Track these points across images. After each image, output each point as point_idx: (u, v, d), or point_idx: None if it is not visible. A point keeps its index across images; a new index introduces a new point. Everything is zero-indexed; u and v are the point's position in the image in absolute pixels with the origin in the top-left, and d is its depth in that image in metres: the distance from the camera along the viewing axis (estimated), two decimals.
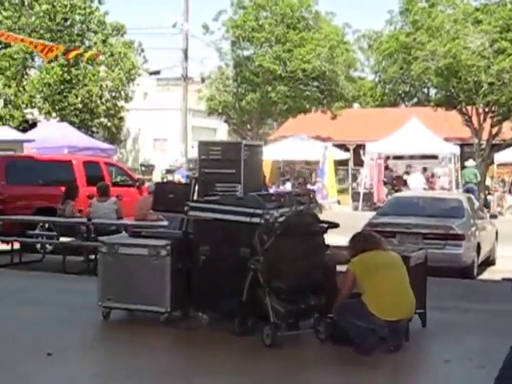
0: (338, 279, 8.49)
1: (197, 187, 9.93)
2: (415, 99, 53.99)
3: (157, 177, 37.75)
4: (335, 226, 8.64)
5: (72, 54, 21.10)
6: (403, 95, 54.68)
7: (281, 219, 8.26)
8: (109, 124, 39.93)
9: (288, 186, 31.58)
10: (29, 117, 37.76)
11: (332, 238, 8.85)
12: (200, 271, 8.80)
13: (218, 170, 9.95)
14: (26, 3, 36.63)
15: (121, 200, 16.54)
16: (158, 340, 8.62)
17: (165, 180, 31.31)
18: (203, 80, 45.37)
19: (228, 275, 8.46)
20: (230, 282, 8.43)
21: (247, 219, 8.28)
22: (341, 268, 8.46)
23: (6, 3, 36.16)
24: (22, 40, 19.45)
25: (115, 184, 18.43)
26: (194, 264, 8.89)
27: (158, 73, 42.10)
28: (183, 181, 26.38)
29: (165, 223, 12.40)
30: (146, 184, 19.26)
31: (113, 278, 9.13)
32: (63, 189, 15.89)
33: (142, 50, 41.63)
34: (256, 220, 8.21)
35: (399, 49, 39.08)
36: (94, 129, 39.58)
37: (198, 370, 7.36)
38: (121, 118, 40.85)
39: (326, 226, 8.62)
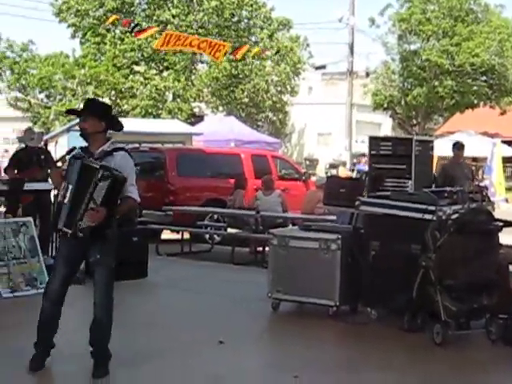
0: (511, 279, 8.30)
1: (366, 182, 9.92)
2: None
3: (320, 171, 37.84)
4: (511, 224, 8.42)
5: (240, 53, 21.32)
6: None
7: (454, 216, 8.15)
8: (274, 118, 40.41)
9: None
10: (196, 110, 38.70)
11: (505, 237, 8.63)
12: (370, 266, 8.81)
13: (388, 166, 9.89)
14: (194, 0, 37.52)
15: (287, 193, 16.75)
16: (327, 333, 8.67)
17: (328, 174, 31.31)
18: (368, 74, 45.07)
19: (398, 271, 8.43)
20: (400, 278, 8.39)
21: (419, 215, 8.21)
22: None
23: (174, 1, 37.17)
24: (191, 44, 19.74)
25: (282, 177, 18.60)
26: (363, 259, 8.91)
27: (323, 67, 42.16)
28: (348, 174, 26.36)
29: (332, 217, 12.44)
30: (313, 178, 19.36)
31: (283, 270, 9.27)
32: (232, 181, 16.25)
33: (308, 45, 41.85)
34: (428, 216, 8.14)
35: None
36: (260, 123, 40.15)
37: (367, 365, 7.36)
38: (286, 113, 41.23)
39: (500, 224, 8.41)
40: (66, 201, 6.48)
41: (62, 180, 6.54)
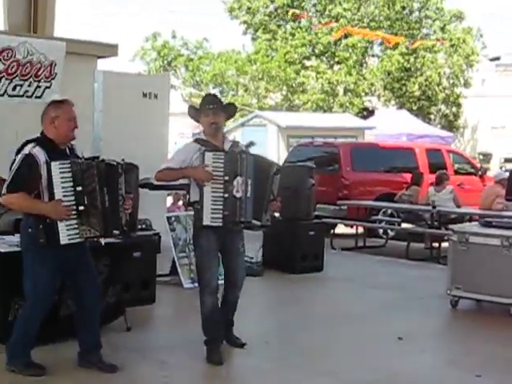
0: None
1: None
2: None
3: (495, 165, 36.84)
4: None
5: (416, 44, 21.31)
6: None
7: None
8: (446, 111, 39.69)
9: None
10: (367, 104, 38.54)
11: None
12: None
13: None
14: None
15: (462, 188, 16.43)
16: (509, 332, 8.41)
17: (503, 169, 30.41)
18: None
19: None
20: None
21: None
22: None
23: None
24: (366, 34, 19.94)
25: (457, 172, 18.21)
26: None
27: (497, 59, 40.95)
28: None
29: (510, 213, 12.11)
30: (488, 173, 18.89)
31: (463, 267, 9.07)
32: (405, 176, 16.10)
33: (481, 36, 40.80)
34: None
35: None
36: (432, 116, 39.52)
37: None
38: (459, 105, 40.40)
39: None
40: (248, 195, 6.61)
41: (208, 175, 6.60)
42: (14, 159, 6.00)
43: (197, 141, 6.89)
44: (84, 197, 5.94)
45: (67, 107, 6.22)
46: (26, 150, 5.95)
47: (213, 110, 6.71)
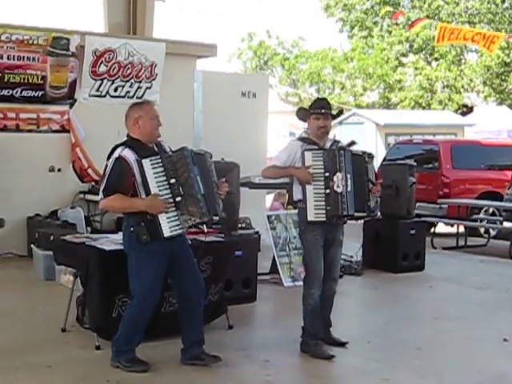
0: None
1: None
2: None
3: None
4: None
5: None
6: None
7: None
8: None
9: None
10: (466, 100, 37.86)
11: None
12: None
13: None
14: None
15: None
16: None
17: None
18: None
19: None
20: None
21: None
22: None
23: None
24: (464, 37, 19.51)
25: None
26: None
27: None
28: None
29: None
30: None
31: None
32: (507, 173, 15.75)
33: None
34: None
35: None
36: None
37: None
38: None
39: None
40: (349, 189, 6.75)
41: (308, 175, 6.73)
42: (106, 164, 6.11)
43: (300, 139, 7.09)
44: (179, 188, 6.01)
45: (149, 107, 6.34)
46: (116, 154, 6.07)
47: (324, 115, 6.88)
